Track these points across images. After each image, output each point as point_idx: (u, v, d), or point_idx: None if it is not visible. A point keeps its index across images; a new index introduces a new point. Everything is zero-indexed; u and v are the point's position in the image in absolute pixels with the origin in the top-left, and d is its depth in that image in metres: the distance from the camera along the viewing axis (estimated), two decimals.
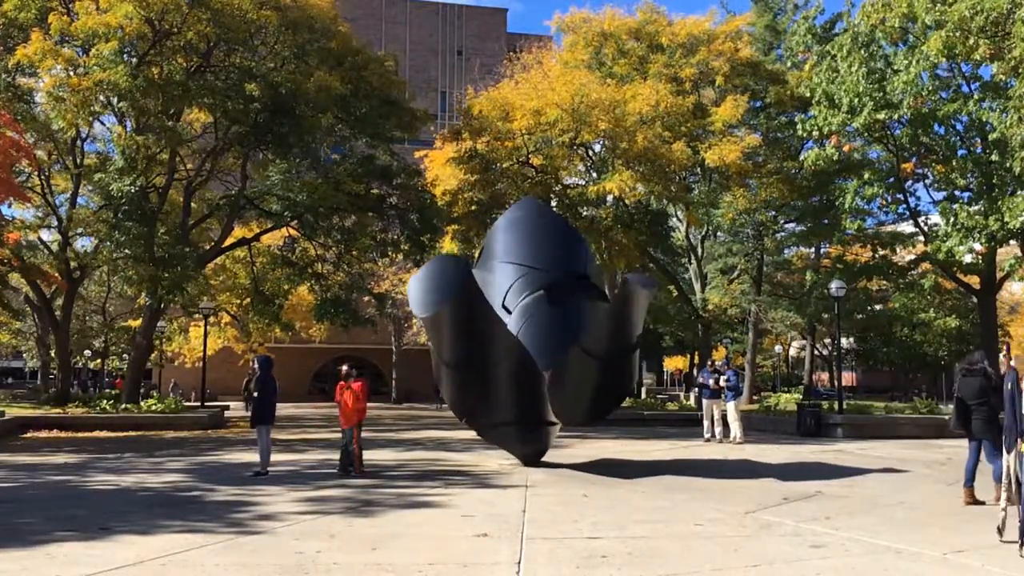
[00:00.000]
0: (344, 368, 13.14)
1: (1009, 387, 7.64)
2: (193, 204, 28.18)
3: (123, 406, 24.04)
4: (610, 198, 27.61)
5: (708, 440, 18.43)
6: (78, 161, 26.67)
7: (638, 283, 12.02)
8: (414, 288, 11.21)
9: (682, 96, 27.29)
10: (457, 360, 12.57)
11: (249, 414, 14.41)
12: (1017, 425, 7.47)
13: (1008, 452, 7.63)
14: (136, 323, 34.13)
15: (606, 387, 13.12)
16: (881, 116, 22.24)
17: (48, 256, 28.58)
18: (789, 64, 31.49)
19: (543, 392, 11.72)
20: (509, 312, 12.79)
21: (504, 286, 13.13)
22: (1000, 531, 7.55)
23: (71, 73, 21.88)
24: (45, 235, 30.10)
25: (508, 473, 12.68)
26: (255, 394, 12.92)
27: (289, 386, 37.63)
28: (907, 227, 30.64)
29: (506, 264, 13.50)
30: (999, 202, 21.41)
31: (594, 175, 29.06)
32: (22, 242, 25.88)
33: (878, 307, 38.92)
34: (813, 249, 39.13)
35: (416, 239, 27.57)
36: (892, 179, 25.43)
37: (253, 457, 14.96)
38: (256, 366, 13.23)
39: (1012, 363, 7.94)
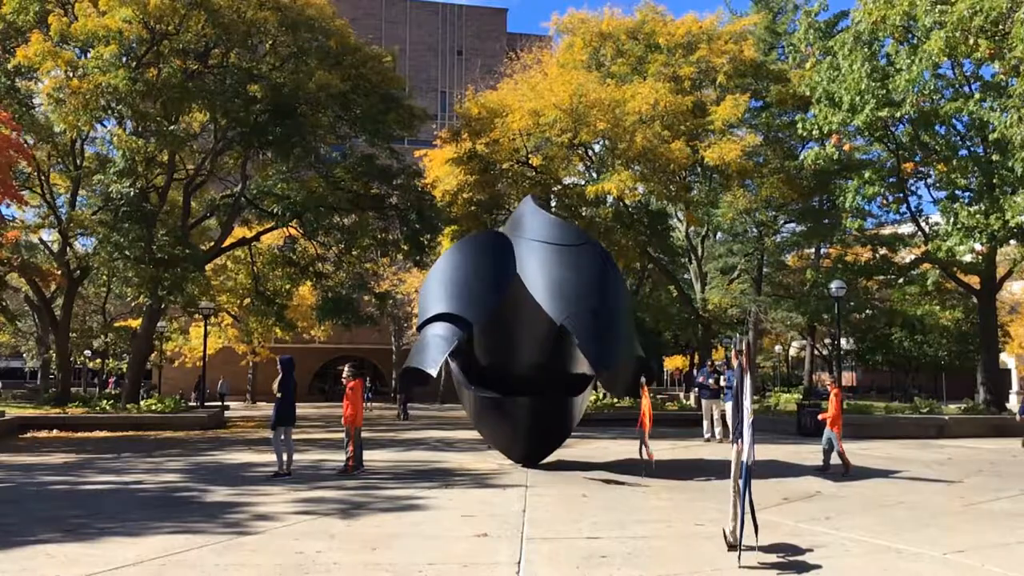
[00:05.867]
0: (344, 369, 13.23)
1: (735, 384, 7.28)
2: (193, 204, 28.18)
3: (122, 405, 24.04)
4: (609, 198, 27.60)
5: (708, 440, 18.42)
6: (77, 162, 26.67)
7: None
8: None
9: (681, 95, 27.25)
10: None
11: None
12: (740, 424, 7.06)
13: (734, 451, 7.22)
14: (136, 323, 34.13)
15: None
16: (883, 114, 22.22)
17: (48, 257, 28.57)
18: (792, 63, 31.44)
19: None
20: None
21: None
22: (725, 535, 7.26)
23: (71, 75, 21.86)
24: (45, 235, 30.14)
25: (508, 473, 12.68)
26: (278, 395, 12.43)
27: None
28: (908, 228, 30.62)
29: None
30: (1000, 201, 21.41)
31: (593, 175, 29.05)
32: (21, 242, 25.87)
33: (878, 305, 38.85)
34: (813, 249, 39.11)
35: (416, 239, 27.60)
36: (893, 178, 25.42)
37: (252, 457, 15.00)
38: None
39: (742, 360, 7.33)
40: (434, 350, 11.89)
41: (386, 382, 51.22)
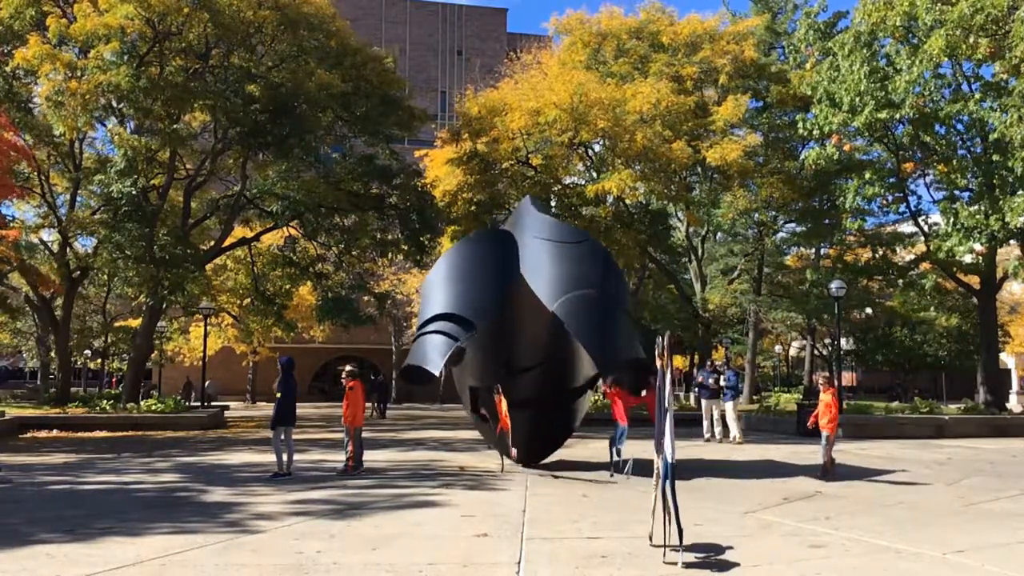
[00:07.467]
0: (345, 369, 13.26)
1: (659, 383, 7.26)
2: (193, 204, 28.17)
3: (122, 405, 24.03)
4: (610, 198, 27.58)
5: (708, 440, 18.43)
6: (77, 163, 26.66)
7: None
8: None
9: (683, 95, 27.23)
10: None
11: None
12: (661, 424, 6.99)
13: (657, 453, 7.17)
14: (136, 323, 34.12)
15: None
16: (883, 115, 22.22)
17: (48, 256, 28.56)
18: (792, 63, 31.44)
19: None
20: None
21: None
22: (651, 537, 7.28)
23: (70, 76, 21.82)
24: (45, 235, 30.15)
25: (508, 473, 12.68)
26: (278, 395, 12.38)
27: None
28: (907, 227, 30.66)
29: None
30: (1000, 201, 21.41)
31: (593, 175, 29.04)
32: (21, 242, 25.87)
33: (877, 301, 38.84)
34: (813, 250, 39.12)
35: (416, 239, 27.61)
36: (893, 178, 25.43)
37: (251, 457, 15.00)
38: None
39: (664, 362, 7.29)
40: (437, 348, 11.60)
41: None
